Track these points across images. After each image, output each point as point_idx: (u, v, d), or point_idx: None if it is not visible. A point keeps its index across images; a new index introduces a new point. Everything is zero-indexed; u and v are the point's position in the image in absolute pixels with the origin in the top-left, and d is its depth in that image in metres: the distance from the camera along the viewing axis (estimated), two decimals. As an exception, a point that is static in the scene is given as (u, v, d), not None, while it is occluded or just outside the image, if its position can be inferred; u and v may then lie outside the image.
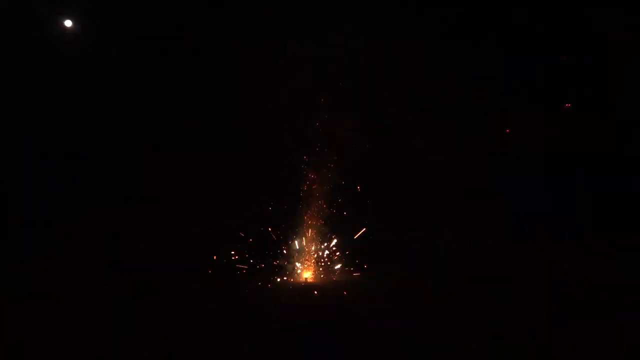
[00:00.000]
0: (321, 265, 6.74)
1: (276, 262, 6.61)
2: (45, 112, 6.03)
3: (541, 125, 6.51)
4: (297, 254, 6.70)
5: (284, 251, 6.65)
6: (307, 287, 6.26)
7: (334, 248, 6.73)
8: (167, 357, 3.88)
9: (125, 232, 6.16)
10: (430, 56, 6.43)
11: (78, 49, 5.96)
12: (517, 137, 6.68)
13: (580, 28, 6.18)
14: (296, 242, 6.69)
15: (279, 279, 6.41)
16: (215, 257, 6.24)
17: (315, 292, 6.07)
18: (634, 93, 6.11)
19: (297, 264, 6.69)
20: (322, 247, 6.76)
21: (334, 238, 6.75)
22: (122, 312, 4.80)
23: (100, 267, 5.87)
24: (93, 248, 6.04)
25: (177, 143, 6.43)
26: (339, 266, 6.64)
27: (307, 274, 6.65)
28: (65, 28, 5.92)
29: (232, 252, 6.45)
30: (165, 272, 5.91)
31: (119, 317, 4.65)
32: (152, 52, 6.23)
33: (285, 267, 6.61)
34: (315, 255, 6.75)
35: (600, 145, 6.29)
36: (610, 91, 6.23)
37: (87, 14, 5.99)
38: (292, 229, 6.70)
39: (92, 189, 6.19)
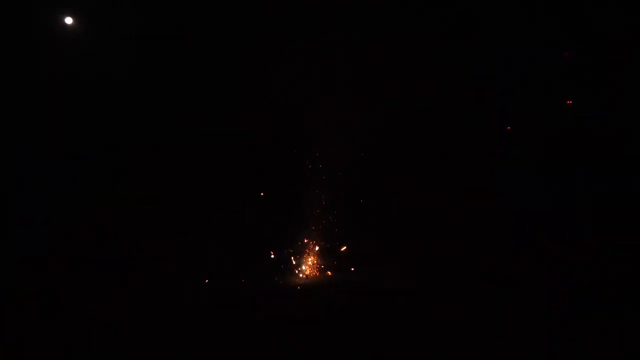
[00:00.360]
0: (321, 263, 6.74)
1: (277, 259, 6.61)
2: (45, 112, 6.03)
3: (541, 125, 6.51)
4: (297, 252, 6.71)
5: (284, 249, 6.65)
6: (308, 284, 6.27)
7: (334, 246, 6.74)
8: (167, 356, 3.88)
9: (126, 232, 6.16)
10: (430, 56, 6.43)
11: (78, 49, 5.96)
12: (517, 137, 6.68)
13: (580, 28, 6.17)
14: (296, 239, 6.70)
15: (279, 277, 6.41)
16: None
17: (316, 290, 6.08)
18: (634, 93, 6.11)
19: (297, 262, 6.69)
20: (322, 244, 6.77)
21: (334, 236, 6.75)
22: (121, 312, 4.80)
23: (100, 267, 5.87)
24: (93, 248, 6.04)
25: (177, 143, 6.42)
26: (337, 264, 6.65)
27: (306, 271, 6.65)
28: (65, 27, 5.92)
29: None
30: (165, 272, 5.91)
31: (118, 317, 4.65)
32: (153, 52, 6.23)
33: (286, 264, 6.62)
34: (316, 253, 6.75)
35: (600, 145, 6.28)
36: (610, 91, 6.23)
37: (86, 14, 5.99)
38: (292, 227, 6.71)
39: (92, 189, 6.19)
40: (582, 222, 6.22)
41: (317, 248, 6.65)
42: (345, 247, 6.63)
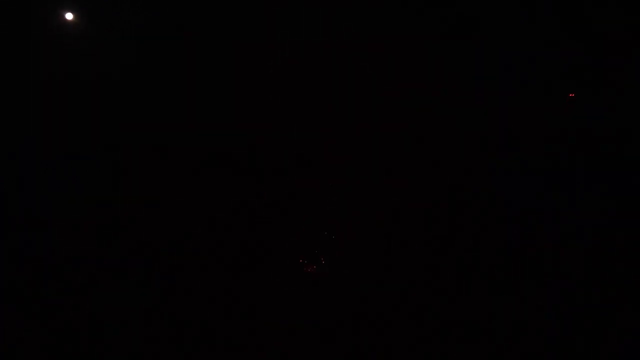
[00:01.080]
0: (321, 263, 6.75)
1: (277, 259, 6.61)
2: (45, 112, 6.04)
3: (541, 125, 6.52)
4: (297, 252, 6.71)
5: (284, 249, 6.66)
6: (309, 278, 6.27)
7: (334, 246, 6.74)
8: (168, 356, 3.88)
9: (125, 232, 6.16)
10: (430, 56, 6.44)
11: (78, 49, 5.97)
12: (517, 137, 6.69)
13: (580, 28, 6.18)
14: (296, 239, 6.71)
15: (281, 272, 6.41)
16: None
17: (319, 285, 6.09)
18: (634, 93, 6.11)
19: (297, 262, 6.70)
20: (322, 245, 6.77)
21: (334, 236, 6.76)
22: (122, 312, 4.80)
23: (100, 267, 5.87)
24: (93, 248, 6.04)
25: (177, 143, 6.43)
26: (338, 264, 6.66)
27: (310, 266, 6.67)
28: (65, 27, 5.92)
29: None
30: (165, 272, 5.92)
31: (118, 317, 4.65)
32: (153, 52, 6.23)
33: (286, 264, 6.62)
34: (316, 253, 6.76)
35: (600, 145, 6.29)
36: (610, 91, 6.23)
37: (87, 14, 6.00)
38: (292, 227, 6.71)
39: (92, 189, 6.20)
40: (582, 222, 6.23)
41: (317, 248, 6.66)
42: (345, 248, 6.63)
